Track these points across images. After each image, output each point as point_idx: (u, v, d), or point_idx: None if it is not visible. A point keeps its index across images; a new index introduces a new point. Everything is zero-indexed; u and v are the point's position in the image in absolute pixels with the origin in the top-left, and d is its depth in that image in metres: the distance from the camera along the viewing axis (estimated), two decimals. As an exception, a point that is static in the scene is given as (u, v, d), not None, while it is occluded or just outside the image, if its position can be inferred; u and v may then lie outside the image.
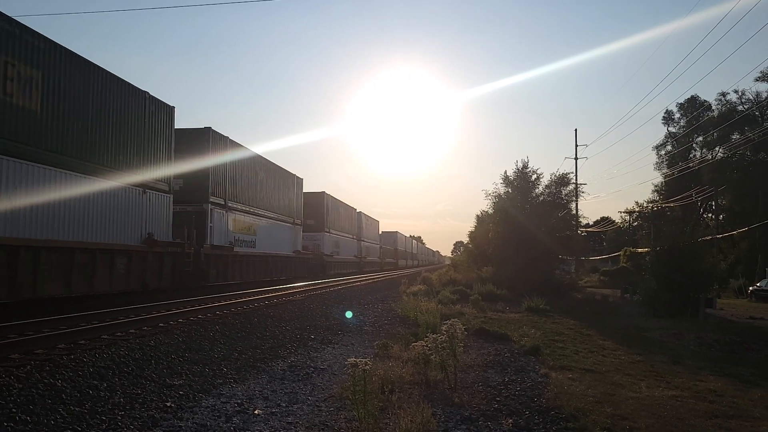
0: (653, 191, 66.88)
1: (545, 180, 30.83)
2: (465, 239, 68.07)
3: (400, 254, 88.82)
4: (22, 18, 13.40)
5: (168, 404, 6.76)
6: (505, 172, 30.98)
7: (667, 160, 63.32)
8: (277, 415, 6.45)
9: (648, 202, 65.17)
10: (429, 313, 13.72)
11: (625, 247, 52.34)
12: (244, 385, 7.93)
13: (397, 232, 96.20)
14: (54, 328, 11.20)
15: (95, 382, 7.49)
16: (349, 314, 16.46)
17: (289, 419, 6.30)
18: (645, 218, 65.49)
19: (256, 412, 6.56)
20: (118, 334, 11.15)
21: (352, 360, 5.64)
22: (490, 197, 31.63)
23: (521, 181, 30.21)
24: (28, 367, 8.02)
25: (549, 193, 30.50)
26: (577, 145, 47.88)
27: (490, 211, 34.54)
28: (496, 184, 31.53)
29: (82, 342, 10.07)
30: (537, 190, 30.49)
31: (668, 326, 14.93)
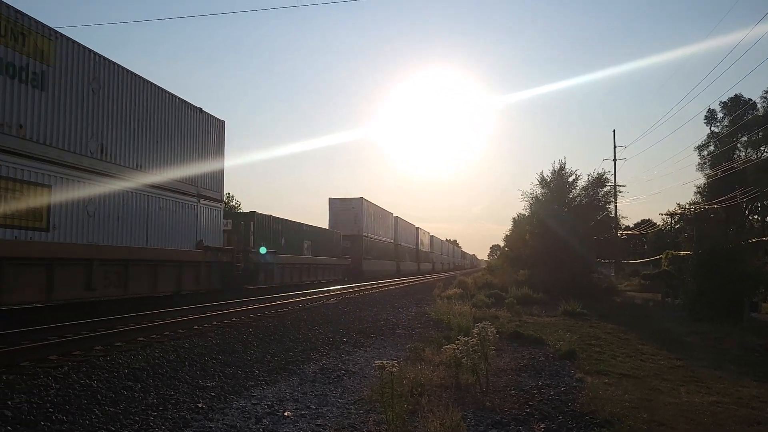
0: (695, 193, 65.23)
1: (582, 181, 30.29)
2: (501, 243, 67.56)
3: (435, 258, 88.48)
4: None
5: (199, 405, 6.82)
6: (542, 174, 30.54)
7: (709, 160, 61.66)
8: (306, 417, 6.44)
9: (690, 204, 63.58)
10: (462, 317, 13.59)
11: (667, 250, 51.05)
12: (275, 387, 7.96)
13: (432, 235, 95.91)
14: (92, 330, 11.44)
15: (130, 383, 7.60)
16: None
17: (318, 421, 6.28)
18: (687, 221, 63.89)
19: (285, 413, 6.57)
20: (154, 336, 11.33)
21: (379, 362, 5.60)
22: (526, 198, 31.26)
23: (558, 182, 29.74)
24: (65, 368, 8.20)
25: (586, 194, 29.95)
26: (615, 147, 47.11)
27: (527, 213, 34.15)
28: (533, 185, 31.13)
29: (119, 344, 10.25)
30: (574, 191, 29.98)
31: (710, 330, 14.48)
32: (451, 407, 5.97)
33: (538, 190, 30.58)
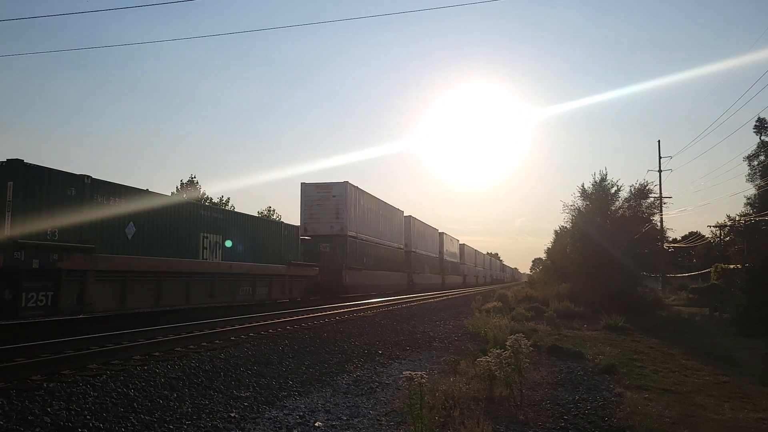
0: (746, 204, 63.32)
1: (624, 193, 29.62)
2: (543, 256, 66.25)
3: (467, 270, 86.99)
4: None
5: (232, 415, 6.88)
6: (582, 185, 30.00)
7: (760, 170, 59.75)
8: (336, 428, 6.43)
9: (740, 216, 61.61)
10: (499, 330, 13.40)
11: (716, 264, 49.51)
12: (308, 398, 7.97)
13: (476, 250, 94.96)
14: (132, 340, 11.69)
15: (166, 392, 7.72)
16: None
17: (349, 432, 6.26)
18: (737, 233, 61.93)
19: (316, 424, 6.56)
20: (191, 346, 11.51)
21: (407, 373, 5.55)
22: (567, 211, 30.75)
23: (599, 194, 29.16)
24: (104, 376, 8.39)
25: (629, 206, 29.27)
26: (660, 157, 45.98)
27: (568, 225, 33.58)
28: (574, 197, 30.60)
29: (157, 354, 10.46)
30: (616, 203, 29.34)
31: (760, 346, 13.94)
32: (483, 420, 5.87)
33: (580, 202, 30.07)
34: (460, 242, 77.18)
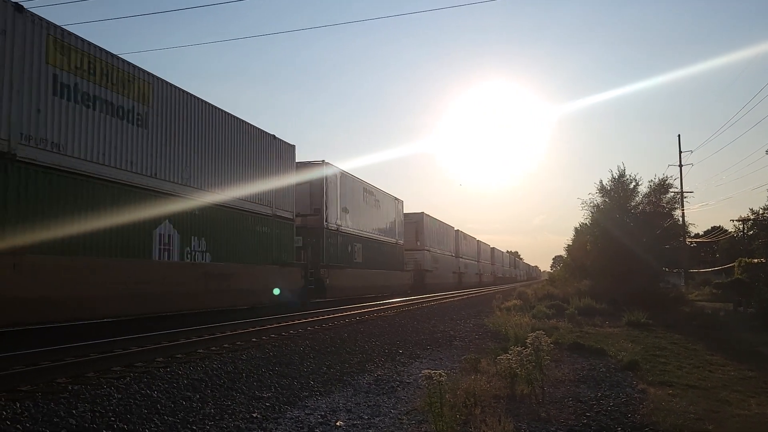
0: (769, 197, 62.22)
1: (644, 188, 29.32)
2: (563, 253, 65.57)
3: (497, 269, 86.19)
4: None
5: (254, 415, 6.93)
6: (601, 182, 29.76)
7: (783, 163, 58.81)
8: (358, 427, 6.45)
9: (764, 209, 60.59)
10: (520, 328, 13.33)
11: (740, 258, 48.77)
12: (329, 397, 8.00)
13: (493, 248, 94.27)
14: (156, 343, 11.81)
15: (189, 394, 7.80)
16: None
17: (370, 431, 6.27)
18: (761, 226, 60.93)
19: (338, 423, 6.59)
20: (213, 348, 11.60)
21: (426, 371, 5.55)
22: (586, 207, 30.53)
23: (618, 190, 28.90)
24: (128, 378, 8.49)
25: (649, 201, 28.98)
26: (681, 152, 45.44)
27: (588, 222, 33.31)
28: (592, 194, 30.35)
29: (179, 356, 10.55)
30: (636, 198, 29.06)
31: (787, 340, 13.72)
32: (504, 418, 5.85)
33: (599, 199, 29.83)
34: (478, 240, 76.77)
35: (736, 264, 48.66)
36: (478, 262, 75.20)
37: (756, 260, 38.64)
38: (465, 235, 66.45)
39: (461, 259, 62.74)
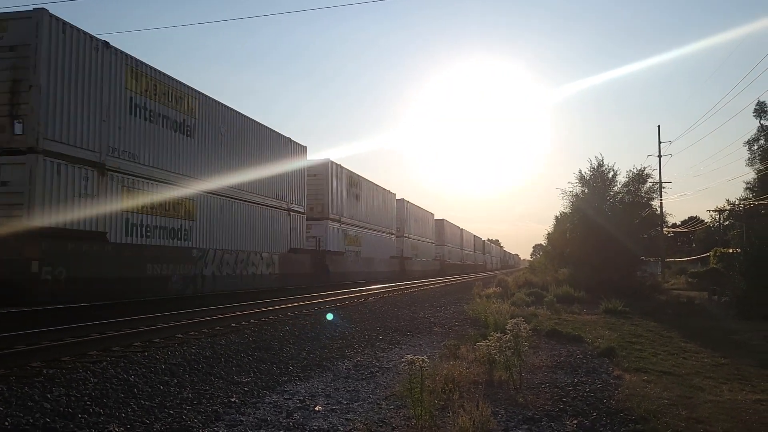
0: (745, 188, 63.17)
1: (622, 177, 29.56)
2: (544, 242, 66.00)
3: (478, 257, 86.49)
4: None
5: (233, 399, 6.91)
6: (580, 171, 29.93)
7: (759, 154, 59.59)
8: (337, 412, 6.46)
9: (740, 200, 61.50)
10: (499, 315, 13.42)
11: (716, 248, 49.50)
12: (308, 383, 8.00)
13: (475, 236, 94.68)
14: (133, 327, 11.71)
15: (166, 378, 7.75)
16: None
17: (349, 416, 6.29)
18: (737, 217, 61.81)
19: (316, 408, 6.59)
20: (192, 333, 11.53)
21: (408, 357, 5.56)
22: (566, 197, 30.72)
23: (597, 179, 29.12)
24: (104, 363, 8.41)
25: (628, 191, 29.24)
26: (660, 142, 45.89)
27: (568, 211, 33.53)
28: (572, 184, 30.54)
29: (157, 340, 10.48)
30: (614, 188, 29.30)
31: (759, 329, 13.97)
32: (482, 403, 5.89)
33: (578, 188, 30.02)
34: (460, 228, 77.06)
35: (711, 254, 49.36)
36: (461, 249, 75.52)
37: (731, 250, 39.24)
38: (448, 223, 66.64)
39: (443, 247, 62.94)
